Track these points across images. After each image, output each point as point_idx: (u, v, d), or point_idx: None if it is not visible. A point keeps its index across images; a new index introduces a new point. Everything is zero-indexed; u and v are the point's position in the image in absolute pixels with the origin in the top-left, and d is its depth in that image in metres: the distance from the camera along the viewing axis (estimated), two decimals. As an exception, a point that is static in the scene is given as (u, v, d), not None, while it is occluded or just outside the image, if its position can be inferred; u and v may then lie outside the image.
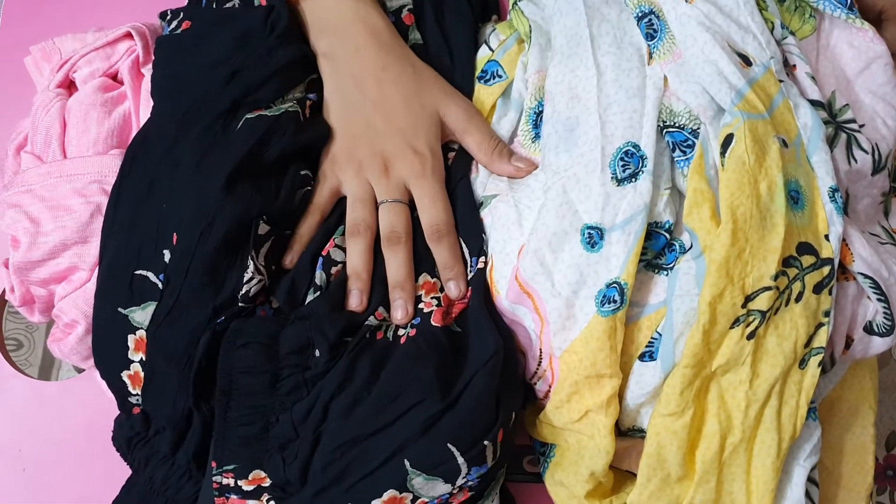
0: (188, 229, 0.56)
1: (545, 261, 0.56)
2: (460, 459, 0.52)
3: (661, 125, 0.57)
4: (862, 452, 0.62)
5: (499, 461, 0.55)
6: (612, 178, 0.55)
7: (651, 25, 0.59)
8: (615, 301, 0.53)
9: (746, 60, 0.57)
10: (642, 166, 0.55)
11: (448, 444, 0.52)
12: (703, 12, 0.57)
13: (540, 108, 0.62)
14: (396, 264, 0.59)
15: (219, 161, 0.57)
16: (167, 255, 0.57)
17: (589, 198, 0.56)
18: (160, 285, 0.57)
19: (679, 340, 0.54)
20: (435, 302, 0.59)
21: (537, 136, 0.62)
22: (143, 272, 0.57)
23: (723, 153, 0.53)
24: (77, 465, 0.67)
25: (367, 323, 0.57)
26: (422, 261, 0.60)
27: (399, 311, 0.58)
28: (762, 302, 0.52)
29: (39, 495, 0.67)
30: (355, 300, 0.58)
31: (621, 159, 0.56)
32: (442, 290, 0.60)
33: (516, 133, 0.64)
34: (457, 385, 0.54)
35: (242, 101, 0.60)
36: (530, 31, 0.64)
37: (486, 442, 0.53)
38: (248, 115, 0.59)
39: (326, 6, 0.65)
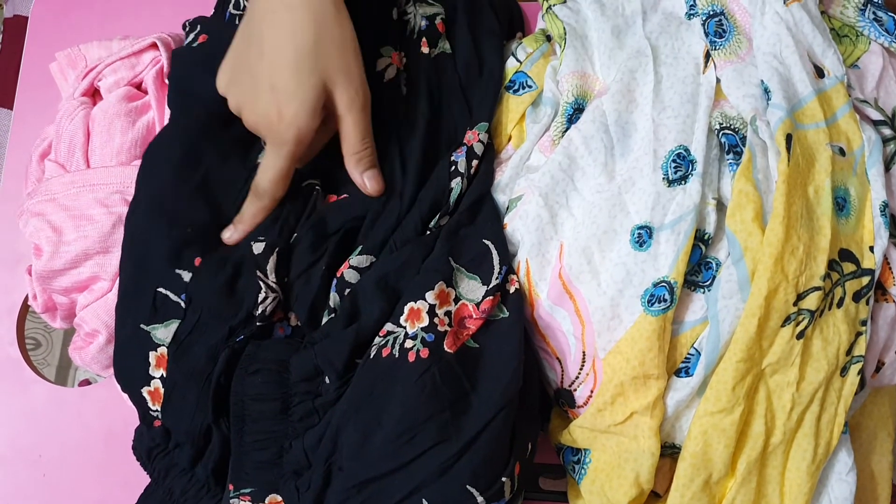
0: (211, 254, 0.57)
1: (593, 259, 0.56)
2: (479, 499, 0.52)
3: (718, 127, 0.57)
4: (879, 480, 0.61)
5: (516, 492, 0.55)
6: (663, 178, 0.56)
7: (720, 25, 0.60)
8: (665, 300, 0.54)
9: (820, 72, 0.58)
10: (692, 169, 0.56)
11: (467, 486, 0.52)
12: (794, 18, 0.58)
13: (577, 106, 0.62)
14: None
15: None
16: (185, 276, 0.57)
17: (641, 199, 0.56)
18: (182, 304, 0.57)
19: (728, 345, 0.54)
20: (447, 320, 0.56)
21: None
22: (164, 290, 0.58)
23: (787, 148, 0.54)
24: (96, 471, 0.68)
25: (373, 344, 0.56)
26: (439, 269, 0.58)
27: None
28: (812, 301, 0.53)
29: (58, 500, 0.68)
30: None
31: (673, 161, 0.57)
32: (456, 301, 0.57)
33: (549, 127, 0.64)
34: (473, 422, 0.53)
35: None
36: (565, 34, 0.64)
37: (503, 479, 0.53)
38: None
39: None
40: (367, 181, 0.59)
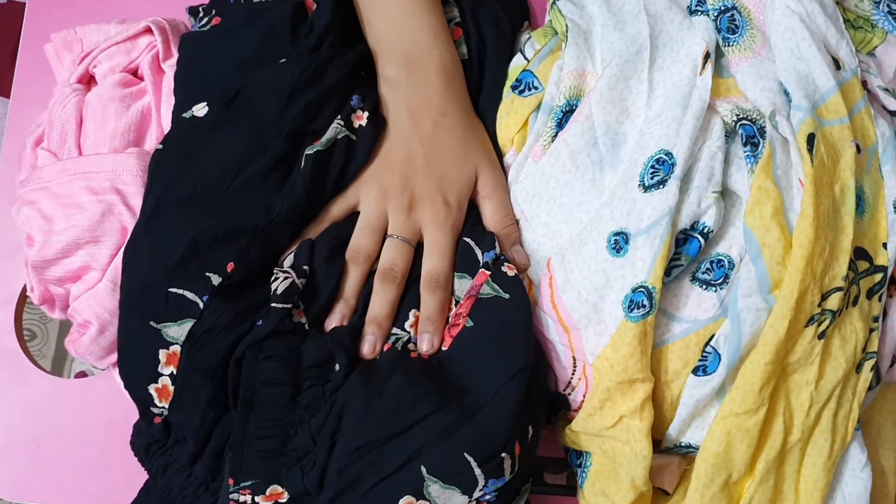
0: (246, 265, 0.58)
1: (573, 267, 0.57)
2: (477, 470, 0.51)
3: (735, 119, 0.57)
4: (889, 476, 0.60)
5: (519, 476, 0.54)
6: (639, 185, 0.56)
7: (733, 20, 0.59)
8: (644, 306, 0.53)
9: (837, 64, 0.57)
10: (671, 172, 0.55)
11: (465, 454, 0.51)
12: (806, 10, 0.57)
13: (568, 108, 0.61)
14: (382, 300, 0.59)
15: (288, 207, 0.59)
16: (214, 279, 0.57)
17: (617, 206, 0.56)
18: (200, 304, 0.56)
19: (749, 344, 0.53)
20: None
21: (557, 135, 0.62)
22: (180, 290, 0.57)
23: (809, 150, 0.53)
24: (95, 463, 0.67)
25: None
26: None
27: (367, 346, 0.58)
28: (834, 302, 0.53)
29: (57, 492, 0.67)
30: (336, 320, 0.58)
31: (652, 167, 0.56)
32: (456, 304, 0.59)
33: (541, 134, 0.63)
34: (476, 396, 0.54)
35: (303, 132, 0.60)
36: (567, 30, 0.63)
37: (503, 454, 0.52)
38: (308, 151, 0.60)
39: (403, 31, 0.64)
40: (515, 255, 0.61)
